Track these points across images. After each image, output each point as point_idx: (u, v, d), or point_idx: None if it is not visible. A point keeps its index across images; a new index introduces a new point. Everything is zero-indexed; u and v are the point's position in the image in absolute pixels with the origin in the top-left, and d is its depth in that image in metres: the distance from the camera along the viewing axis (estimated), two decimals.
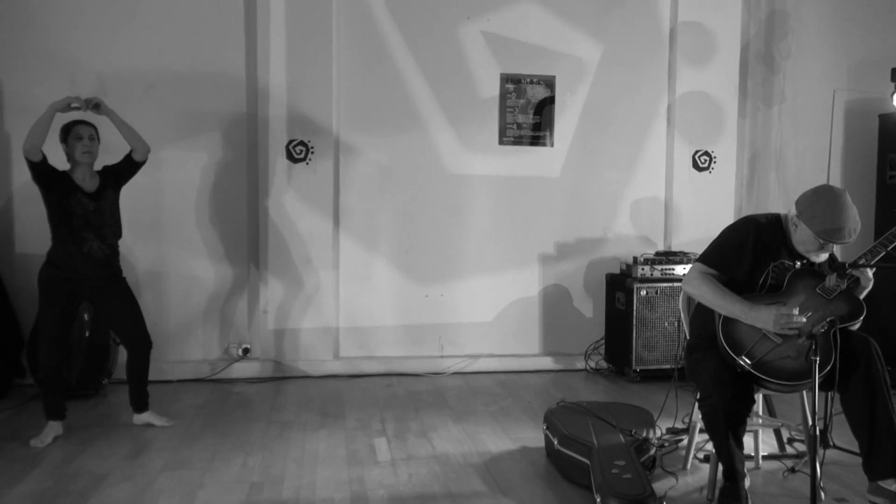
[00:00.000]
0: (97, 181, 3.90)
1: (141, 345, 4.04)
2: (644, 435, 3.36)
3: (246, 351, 5.24)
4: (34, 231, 4.93)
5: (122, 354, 4.78)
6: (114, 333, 4.02)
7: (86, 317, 4.60)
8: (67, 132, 3.84)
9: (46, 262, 3.89)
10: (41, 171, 3.76)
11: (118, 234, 3.99)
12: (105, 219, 3.88)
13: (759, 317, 2.85)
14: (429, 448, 3.76)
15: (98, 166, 3.97)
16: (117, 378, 4.81)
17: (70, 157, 3.86)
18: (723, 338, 2.90)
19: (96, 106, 3.85)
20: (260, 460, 3.56)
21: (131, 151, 3.99)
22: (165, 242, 5.15)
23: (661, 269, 5.14)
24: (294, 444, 3.80)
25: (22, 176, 4.93)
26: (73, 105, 3.79)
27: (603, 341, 5.54)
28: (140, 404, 4.07)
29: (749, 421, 2.94)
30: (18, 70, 4.91)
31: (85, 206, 3.82)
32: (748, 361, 2.84)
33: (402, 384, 5.09)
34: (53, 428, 3.82)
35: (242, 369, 5.18)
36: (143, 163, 4.02)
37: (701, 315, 3.14)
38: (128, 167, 4.01)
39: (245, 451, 3.69)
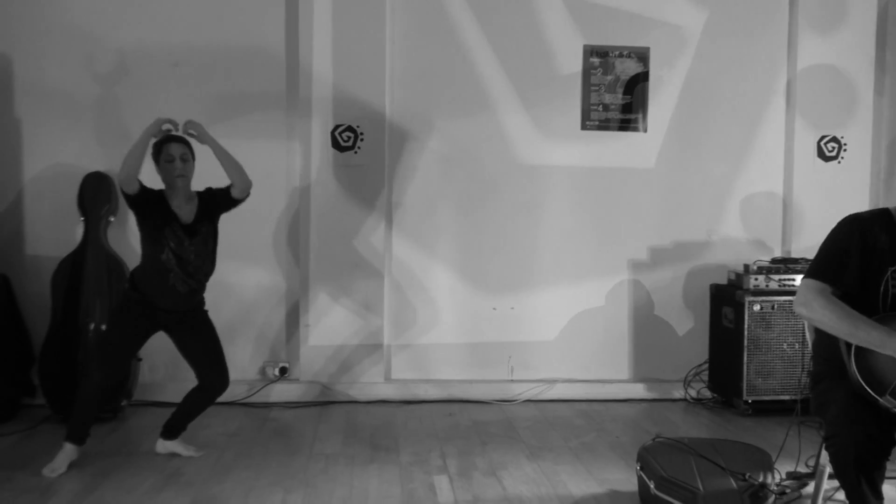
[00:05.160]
0: (195, 207, 4.06)
1: (217, 382, 4.17)
2: (760, 479, 3.31)
3: (284, 371, 5.34)
4: (46, 230, 5.15)
5: (143, 374, 4.97)
6: (190, 366, 4.18)
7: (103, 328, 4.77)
8: (159, 152, 4.00)
9: (130, 281, 4.11)
10: (139, 200, 3.95)
11: (209, 271, 4.15)
12: (198, 252, 4.04)
13: None
14: (499, 489, 3.76)
15: (200, 185, 4.13)
16: (138, 399, 4.97)
17: (164, 180, 4.03)
18: (859, 374, 2.80)
19: (192, 133, 4.03)
20: (301, 498, 3.61)
21: (230, 186, 4.11)
22: None
23: (779, 280, 5.06)
24: (341, 481, 3.84)
25: (34, 168, 5.14)
26: (165, 127, 3.98)
27: (706, 366, 5.47)
28: (173, 431, 4.19)
29: (889, 465, 2.86)
30: (30, 48, 5.11)
31: (179, 240, 3.98)
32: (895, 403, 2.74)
33: (465, 412, 5.11)
34: (69, 453, 3.94)
35: (280, 392, 5.28)
36: (242, 200, 4.15)
37: (826, 337, 3.06)
38: (226, 201, 4.14)
39: (284, 487, 3.75)
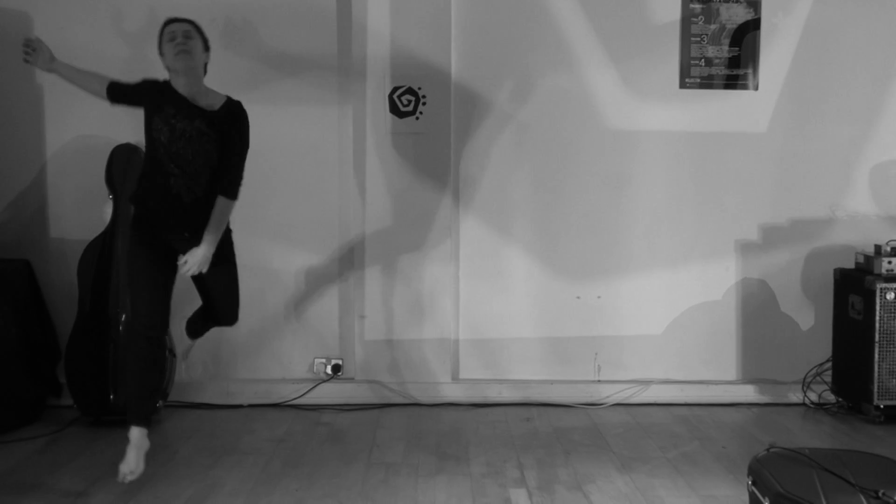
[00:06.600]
0: (216, 105, 3.98)
1: (224, 321, 4.37)
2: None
3: (337, 368, 5.40)
4: (72, 210, 5.29)
5: (180, 373, 5.08)
6: (199, 295, 4.25)
7: None
8: (161, 34, 3.98)
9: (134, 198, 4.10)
10: (121, 101, 4.06)
11: (210, 180, 3.98)
12: (195, 150, 3.89)
13: None
14: None
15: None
16: (175, 400, 5.08)
17: (166, 65, 4.00)
18: None
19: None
20: None
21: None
22: (234, 224, 5.30)
23: None
24: (404, 494, 3.87)
25: (57, 141, 5.27)
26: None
27: (829, 365, 5.39)
28: (195, 331, 4.50)
29: None
30: (51, 5, 5.22)
31: (171, 128, 3.88)
32: None
33: (544, 417, 5.12)
34: (137, 441, 3.83)
35: (332, 392, 5.34)
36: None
37: None
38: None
39: (339, 499, 3.80)
